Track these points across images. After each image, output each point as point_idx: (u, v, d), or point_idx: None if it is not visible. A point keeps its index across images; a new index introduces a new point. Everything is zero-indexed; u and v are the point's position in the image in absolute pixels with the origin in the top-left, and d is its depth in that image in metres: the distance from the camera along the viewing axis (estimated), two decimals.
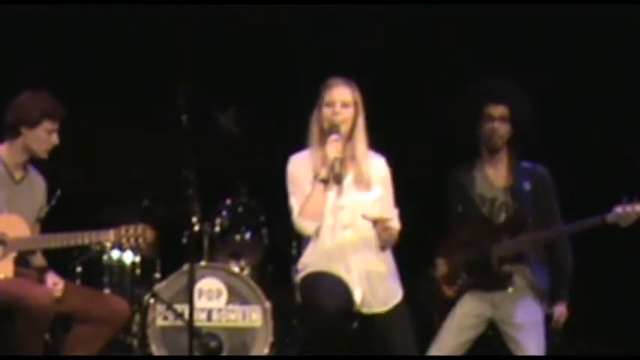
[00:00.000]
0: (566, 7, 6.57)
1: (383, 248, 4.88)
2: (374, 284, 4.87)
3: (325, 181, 4.83)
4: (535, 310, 5.32)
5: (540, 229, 5.36)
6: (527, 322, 5.29)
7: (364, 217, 4.79)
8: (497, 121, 5.40)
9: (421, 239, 5.51)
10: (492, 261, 5.34)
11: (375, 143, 5.01)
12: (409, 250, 5.03)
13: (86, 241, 5.06)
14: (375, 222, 4.77)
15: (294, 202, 4.89)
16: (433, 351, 5.31)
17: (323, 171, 4.83)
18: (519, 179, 5.46)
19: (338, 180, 4.81)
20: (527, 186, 5.46)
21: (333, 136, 4.84)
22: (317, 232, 4.88)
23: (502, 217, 5.46)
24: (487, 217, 5.46)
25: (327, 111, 4.89)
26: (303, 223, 4.86)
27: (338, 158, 4.81)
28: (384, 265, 4.92)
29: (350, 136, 4.91)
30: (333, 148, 4.82)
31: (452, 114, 5.56)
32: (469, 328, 5.35)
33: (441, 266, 5.48)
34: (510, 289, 5.33)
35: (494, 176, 5.50)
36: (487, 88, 5.48)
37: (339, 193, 4.87)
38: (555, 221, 5.40)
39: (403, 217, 4.95)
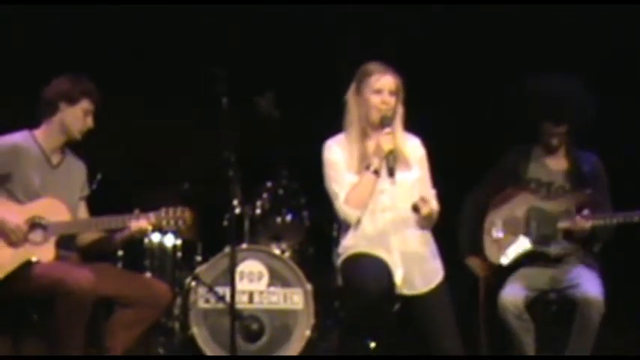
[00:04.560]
0: None
1: (422, 228, 4.85)
2: (415, 265, 4.83)
3: (376, 172, 4.79)
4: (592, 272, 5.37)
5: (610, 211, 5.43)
6: (583, 274, 5.36)
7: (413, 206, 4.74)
8: (556, 137, 5.52)
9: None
10: (557, 230, 5.40)
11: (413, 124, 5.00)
12: (449, 231, 5.02)
13: (127, 224, 5.08)
14: (415, 209, 4.73)
15: (338, 189, 4.84)
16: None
17: (375, 161, 4.78)
18: (578, 166, 5.52)
19: (391, 173, 4.74)
20: (586, 174, 5.50)
21: (387, 129, 4.79)
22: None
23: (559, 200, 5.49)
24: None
25: (375, 98, 4.83)
26: (348, 211, 4.82)
27: (392, 151, 4.76)
28: (424, 245, 4.88)
29: None
30: (387, 140, 4.77)
31: (511, 108, 5.63)
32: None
33: (498, 221, 5.53)
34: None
35: (552, 162, 5.58)
36: (547, 104, 5.49)
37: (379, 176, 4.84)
38: (608, 208, 5.47)
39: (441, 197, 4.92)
